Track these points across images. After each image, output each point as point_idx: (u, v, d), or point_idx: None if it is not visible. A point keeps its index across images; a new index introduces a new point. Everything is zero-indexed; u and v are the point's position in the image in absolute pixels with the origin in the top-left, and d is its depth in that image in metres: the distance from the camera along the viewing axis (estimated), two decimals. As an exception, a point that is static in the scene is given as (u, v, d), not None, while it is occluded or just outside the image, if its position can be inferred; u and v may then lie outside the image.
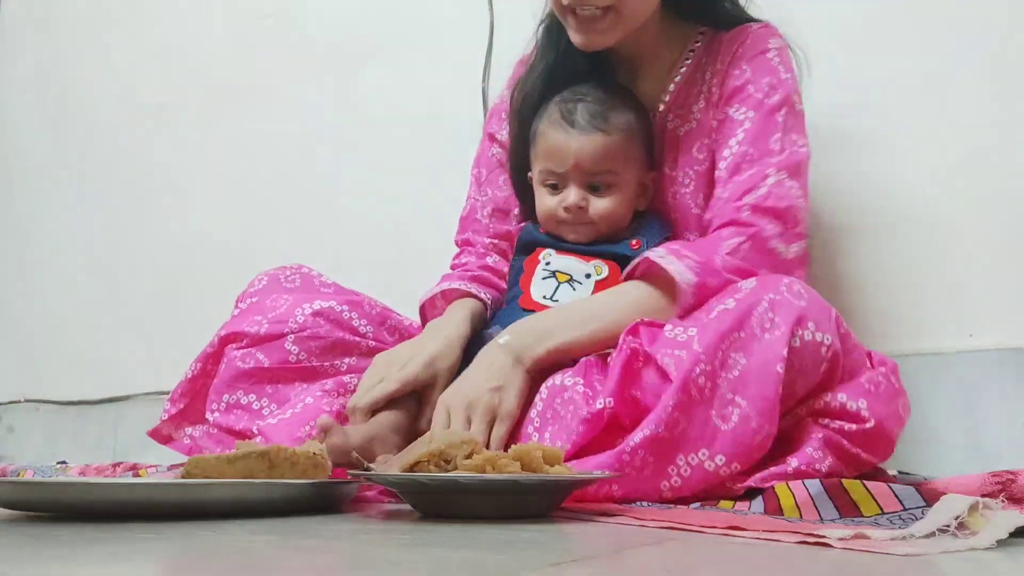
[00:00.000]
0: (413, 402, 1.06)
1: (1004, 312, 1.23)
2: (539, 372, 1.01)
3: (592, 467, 0.86)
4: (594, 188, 1.14)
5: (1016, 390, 1.20)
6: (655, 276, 1.02)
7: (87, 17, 2.46)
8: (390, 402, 1.03)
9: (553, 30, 1.20)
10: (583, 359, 0.99)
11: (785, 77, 1.10)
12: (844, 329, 0.93)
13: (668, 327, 0.94)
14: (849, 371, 0.93)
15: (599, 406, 0.89)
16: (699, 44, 1.19)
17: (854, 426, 0.90)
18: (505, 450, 0.86)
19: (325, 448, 0.89)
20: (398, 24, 1.90)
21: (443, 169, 1.52)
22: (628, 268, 1.07)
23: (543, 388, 0.98)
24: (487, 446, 0.96)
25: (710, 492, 0.88)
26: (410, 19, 1.88)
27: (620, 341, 0.93)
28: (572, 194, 1.13)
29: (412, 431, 1.03)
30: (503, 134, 1.27)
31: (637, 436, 0.86)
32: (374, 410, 1.03)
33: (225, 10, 2.18)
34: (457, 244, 1.31)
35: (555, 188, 1.16)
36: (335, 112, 1.96)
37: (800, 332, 0.88)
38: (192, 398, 1.19)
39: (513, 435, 0.97)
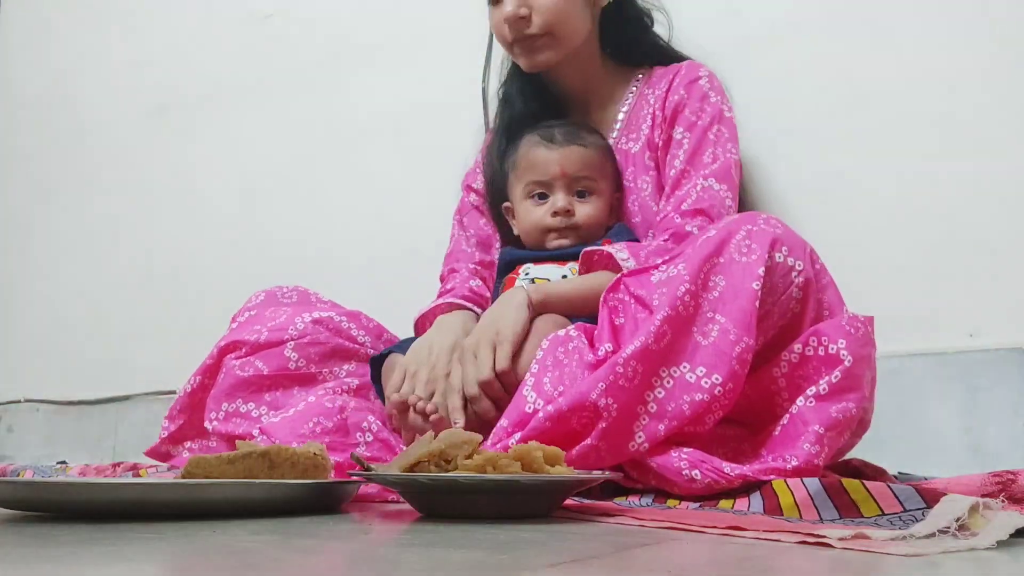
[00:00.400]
0: None
1: (1004, 312, 1.23)
2: (538, 314, 1.10)
3: (589, 384, 0.91)
4: (579, 194, 1.25)
5: (1016, 390, 1.20)
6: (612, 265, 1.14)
7: (87, 17, 2.46)
8: None
9: (511, 92, 1.38)
10: (578, 323, 1.04)
11: (715, 100, 1.27)
12: (819, 265, 1.00)
13: (656, 273, 0.99)
14: (828, 307, 0.98)
15: (602, 353, 0.95)
16: (640, 79, 1.37)
17: (838, 374, 0.92)
18: (509, 372, 1.01)
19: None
20: (398, 24, 1.90)
21: (442, 169, 1.52)
22: (586, 251, 1.16)
23: (544, 340, 1.02)
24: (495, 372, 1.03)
25: (695, 414, 0.91)
26: (410, 19, 1.88)
27: (602, 298, 1.01)
28: (560, 199, 1.24)
29: None
30: (478, 183, 1.41)
31: (628, 349, 0.92)
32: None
33: (226, 10, 2.18)
34: (442, 278, 1.38)
35: (541, 198, 1.26)
36: (335, 111, 1.96)
37: (774, 254, 0.94)
38: (191, 414, 1.19)
39: (515, 362, 1.03)
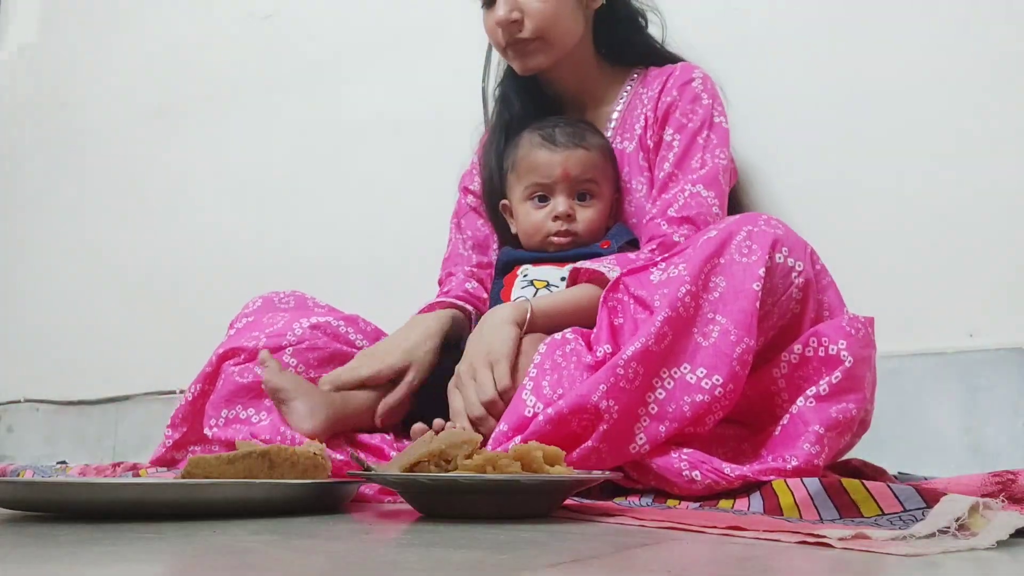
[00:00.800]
0: (389, 387, 1.13)
1: (1004, 312, 1.23)
2: (527, 330, 1.09)
3: (589, 386, 0.91)
4: (580, 197, 1.25)
5: (1016, 390, 1.20)
6: (599, 280, 1.12)
7: (87, 17, 2.46)
8: (370, 387, 1.12)
9: (508, 91, 1.38)
10: (574, 327, 1.04)
11: (707, 103, 1.26)
12: (820, 265, 1.00)
13: (655, 271, 0.99)
14: (828, 308, 0.99)
15: (600, 354, 0.95)
16: (635, 78, 1.37)
17: (838, 374, 0.92)
18: (511, 389, 0.99)
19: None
20: (398, 25, 1.90)
21: (442, 170, 1.52)
22: (574, 269, 1.15)
23: (542, 344, 1.01)
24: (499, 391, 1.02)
25: (695, 415, 0.91)
26: (410, 20, 1.88)
27: (602, 298, 1.00)
28: (561, 203, 1.24)
29: (371, 413, 1.11)
30: (475, 184, 1.41)
31: (628, 350, 0.91)
32: (339, 388, 1.10)
33: (226, 10, 2.18)
34: (440, 281, 1.39)
35: (542, 200, 1.25)
36: (334, 112, 1.97)
37: (774, 255, 0.95)
38: (193, 421, 1.19)
39: (513, 379, 1.03)
